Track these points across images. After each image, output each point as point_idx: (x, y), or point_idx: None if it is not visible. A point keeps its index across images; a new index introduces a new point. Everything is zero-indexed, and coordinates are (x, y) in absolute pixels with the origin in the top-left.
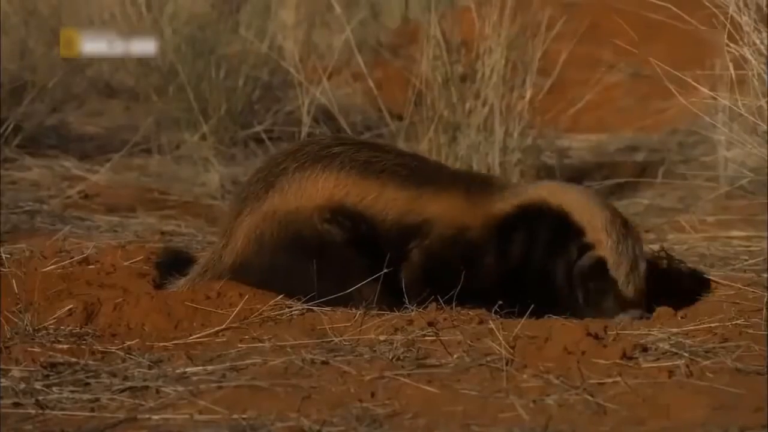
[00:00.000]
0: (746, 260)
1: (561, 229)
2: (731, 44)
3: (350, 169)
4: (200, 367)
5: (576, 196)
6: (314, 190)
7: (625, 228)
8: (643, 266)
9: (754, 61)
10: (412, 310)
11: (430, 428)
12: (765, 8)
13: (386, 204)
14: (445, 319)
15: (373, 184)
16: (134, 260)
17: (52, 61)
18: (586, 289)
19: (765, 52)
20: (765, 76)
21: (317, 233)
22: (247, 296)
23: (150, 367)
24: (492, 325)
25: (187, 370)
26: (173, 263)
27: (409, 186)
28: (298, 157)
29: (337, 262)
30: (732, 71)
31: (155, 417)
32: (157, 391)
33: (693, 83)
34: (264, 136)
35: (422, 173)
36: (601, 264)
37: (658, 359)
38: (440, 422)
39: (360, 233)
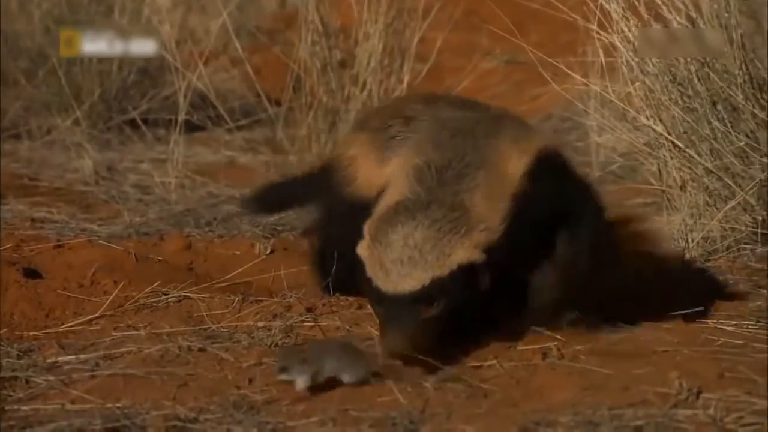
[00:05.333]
0: None
1: None
2: (601, 32)
3: None
4: (72, 356)
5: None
6: None
7: (411, 211)
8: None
9: (622, 48)
10: None
11: (308, 414)
12: None
13: None
14: (323, 305)
15: None
16: (3, 248)
17: None
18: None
19: (632, 39)
20: (633, 62)
21: None
22: (122, 284)
23: (19, 357)
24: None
25: (58, 359)
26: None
27: None
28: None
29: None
30: (602, 58)
31: (25, 408)
32: (27, 381)
33: (566, 70)
34: (139, 121)
35: None
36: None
37: (533, 342)
38: (318, 407)
39: None
